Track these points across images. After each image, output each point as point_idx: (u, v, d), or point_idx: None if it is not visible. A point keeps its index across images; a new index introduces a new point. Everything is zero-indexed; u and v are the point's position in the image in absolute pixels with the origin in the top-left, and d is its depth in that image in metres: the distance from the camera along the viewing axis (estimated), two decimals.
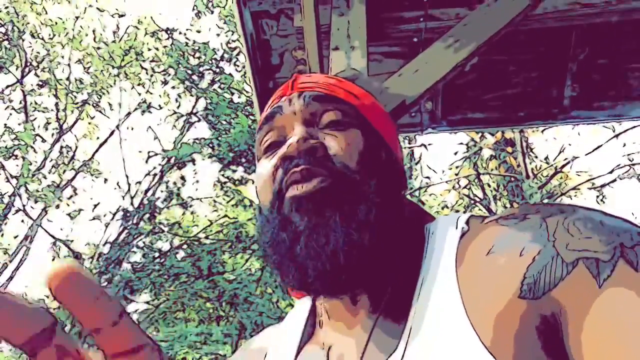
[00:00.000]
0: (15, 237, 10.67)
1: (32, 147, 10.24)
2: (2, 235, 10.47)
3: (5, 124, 10.40)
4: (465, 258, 0.49)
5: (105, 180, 11.69)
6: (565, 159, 8.60)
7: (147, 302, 9.32)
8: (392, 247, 0.54)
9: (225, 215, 10.28)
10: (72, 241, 10.32)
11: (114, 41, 11.38)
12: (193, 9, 10.66)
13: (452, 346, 0.43)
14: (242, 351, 0.71)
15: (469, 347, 0.42)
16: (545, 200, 7.94)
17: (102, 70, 11.34)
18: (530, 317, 0.41)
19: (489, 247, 0.47)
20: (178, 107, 10.85)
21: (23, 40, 10.85)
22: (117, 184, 10.41)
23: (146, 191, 10.31)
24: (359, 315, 0.55)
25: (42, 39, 11.14)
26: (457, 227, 0.53)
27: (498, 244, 0.47)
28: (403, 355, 0.47)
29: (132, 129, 15.02)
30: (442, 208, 9.92)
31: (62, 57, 11.37)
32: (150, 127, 10.32)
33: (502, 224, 0.49)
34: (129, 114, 11.46)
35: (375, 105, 0.66)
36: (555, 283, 0.41)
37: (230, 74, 10.14)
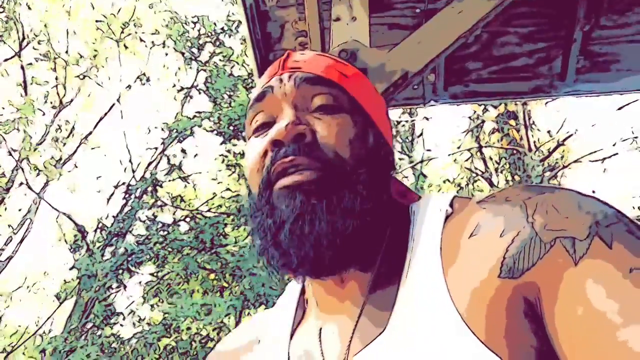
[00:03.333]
0: (20, 211, 10.74)
1: (31, 121, 10.20)
2: (6, 209, 10.54)
3: (7, 97, 10.34)
4: (449, 240, 0.51)
5: (105, 155, 11.69)
6: (568, 131, 8.56)
7: (151, 274, 9.45)
8: (378, 230, 0.56)
9: (227, 189, 10.31)
10: (73, 214, 10.39)
11: (112, 13, 11.21)
12: None
13: (435, 326, 0.45)
14: (228, 342, 0.72)
15: (451, 326, 0.44)
16: (547, 174, 7.94)
17: (100, 43, 11.20)
18: (510, 295, 0.43)
19: (472, 229, 0.49)
20: (178, 80, 10.76)
21: (19, 13, 10.68)
22: (119, 158, 10.42)
23: (148, 164, 10.31)
24: (348, 296, 0.57)
25: (39, 10, 10.97)
26: (441, 209, 0.55)
27: (480, 227, 0.48)
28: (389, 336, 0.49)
29: (132, 102, 14.93)
30: (444, 182, 9.92)
31: (60, 29, 11.22)
32: (150, 100, 10.25)
33: (484, 207, 0.51)
34: (129, 86, 11.38)
35: (365, 85, 0.65)
36: (534, 262, 0.42)
37: (230, 47, 10.02)
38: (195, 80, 10.60)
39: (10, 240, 10.58)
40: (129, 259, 8.17)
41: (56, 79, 11.11)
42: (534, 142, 8.24)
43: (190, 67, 10.39)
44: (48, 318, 10.65)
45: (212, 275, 8.96)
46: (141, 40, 11.16)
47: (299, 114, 0.58)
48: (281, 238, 0.53)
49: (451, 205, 0.55)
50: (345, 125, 0.58)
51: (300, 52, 0.67)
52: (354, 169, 0.56)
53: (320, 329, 0.58)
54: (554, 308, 0.40)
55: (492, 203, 0.50)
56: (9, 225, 10.76)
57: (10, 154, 10.02)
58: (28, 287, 12.97)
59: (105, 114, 11.58)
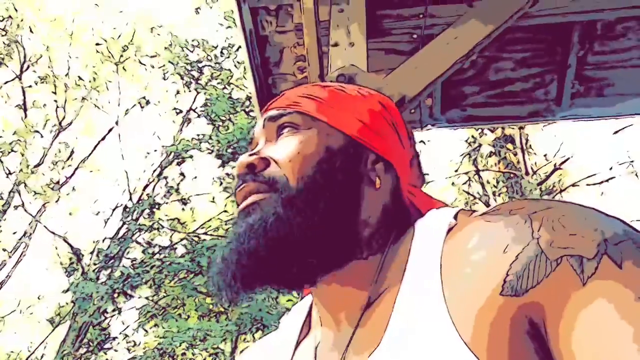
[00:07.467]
0: (14, 234, 10.67)
1: (30, 144, 10.22)
2: (1, 231, 10.47)
3: (5, 120, 10.38)
4: (449, 254, 0.49)
5: (104, 177, 11.68)
6: (564, 155, 8.61)
7: (147, 298, 9.34)
8: (330, 243, 0.56)
9: (225, 211, 10.28)
10: (69, 237, 10.33)
11: (112, 37, 11.36)
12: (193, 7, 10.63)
13: (432, 342, 0.43)
14: None
15: (448, 343, 0.42)
16: (545, 197, 7.96)
17: (100, 66, 11.32)
18: (512, 314, 0.41)
19: (474, 243, 0.47)
20: (177, 102, 10.84)
21: (22, 37, 10.82)
22: (116, 180, 10.41)
23: (145, 187, 10.30)
24: (344, 312, 0.57)
25: (41, 34, 11.11)
26: (444, 223, 0.54)
27: (482, 241, 0.47)
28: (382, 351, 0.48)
29: (131, 124, 15.02)
30: None
31: (61, 52, 11.35)
32: (149, 123, 10.31)
33: (488, 220, 0.49)
34: (127, 110, 11.45)
35: (340, 104, 0.65)
36: (539, 280, 0.41)
37: (229, 70, 10.13)
38: (194, 103, 10.68)
39: (4, 264, 10.48)
40: (125, 282, 8.09)
41: (56, 101, 11.18)
42: (531, 165, 8.29)
43: (190, 90, 10.48)
44: (41, 343, 10.47)
45: (209, 299, 8.86)
46: (141, 63, 11.29)
47: (264, 147, 0.63)
48: (221, 261, 0.56)
49: (455, 218, 0.54)
50: (297, 144, 0.59)
51: (290, 89, 0.71)
52: (301, 185, 0.57)
53: (317, 346, 0.58)
54: (560, 330, 0.39)
55: (496, 216, 0.48)
56: (4, 249, 10.68)
57: (8, 176, 10.01)
58: (21, 311, 12.79)
59: (104, 136, 11.62)
